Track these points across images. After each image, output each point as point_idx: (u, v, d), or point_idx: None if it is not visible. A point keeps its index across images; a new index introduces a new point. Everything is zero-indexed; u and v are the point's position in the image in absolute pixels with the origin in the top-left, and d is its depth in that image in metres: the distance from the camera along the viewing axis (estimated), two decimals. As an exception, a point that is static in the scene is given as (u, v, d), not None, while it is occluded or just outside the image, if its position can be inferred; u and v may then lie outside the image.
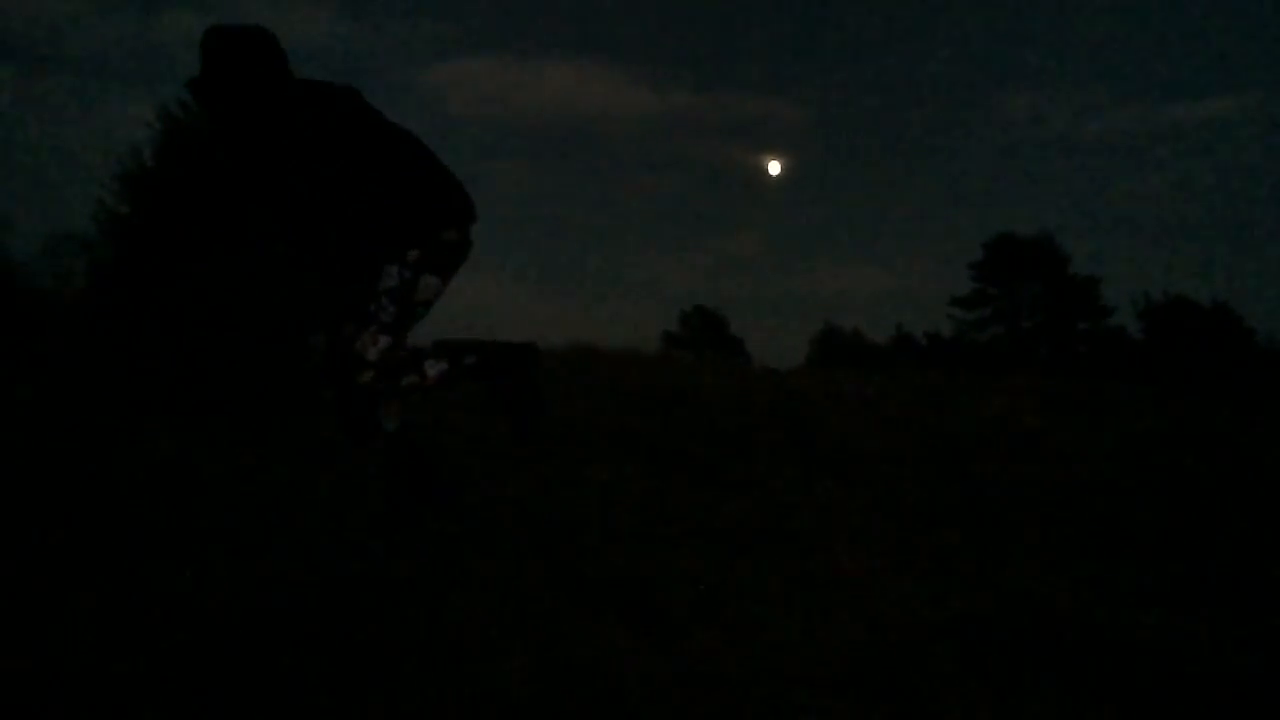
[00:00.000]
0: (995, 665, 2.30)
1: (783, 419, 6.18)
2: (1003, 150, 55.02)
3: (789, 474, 4.77)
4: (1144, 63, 55.06)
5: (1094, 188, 53.50)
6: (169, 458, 4.64)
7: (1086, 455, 5.45)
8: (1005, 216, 55.45)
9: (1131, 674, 2.27)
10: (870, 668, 2.27)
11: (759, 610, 2.69)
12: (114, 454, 4.68)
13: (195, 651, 2.22)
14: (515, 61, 62.68)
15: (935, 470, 4.93)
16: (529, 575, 2.96)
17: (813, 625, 2.56)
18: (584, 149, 60.98)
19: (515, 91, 61.52)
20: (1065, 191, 52.82)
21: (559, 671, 2.18)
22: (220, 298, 6.70)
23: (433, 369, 3.06)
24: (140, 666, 2.12)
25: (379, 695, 2.04)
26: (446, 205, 3.07)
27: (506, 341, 3.24)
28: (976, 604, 2.79)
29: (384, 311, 2.97)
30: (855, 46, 61.33)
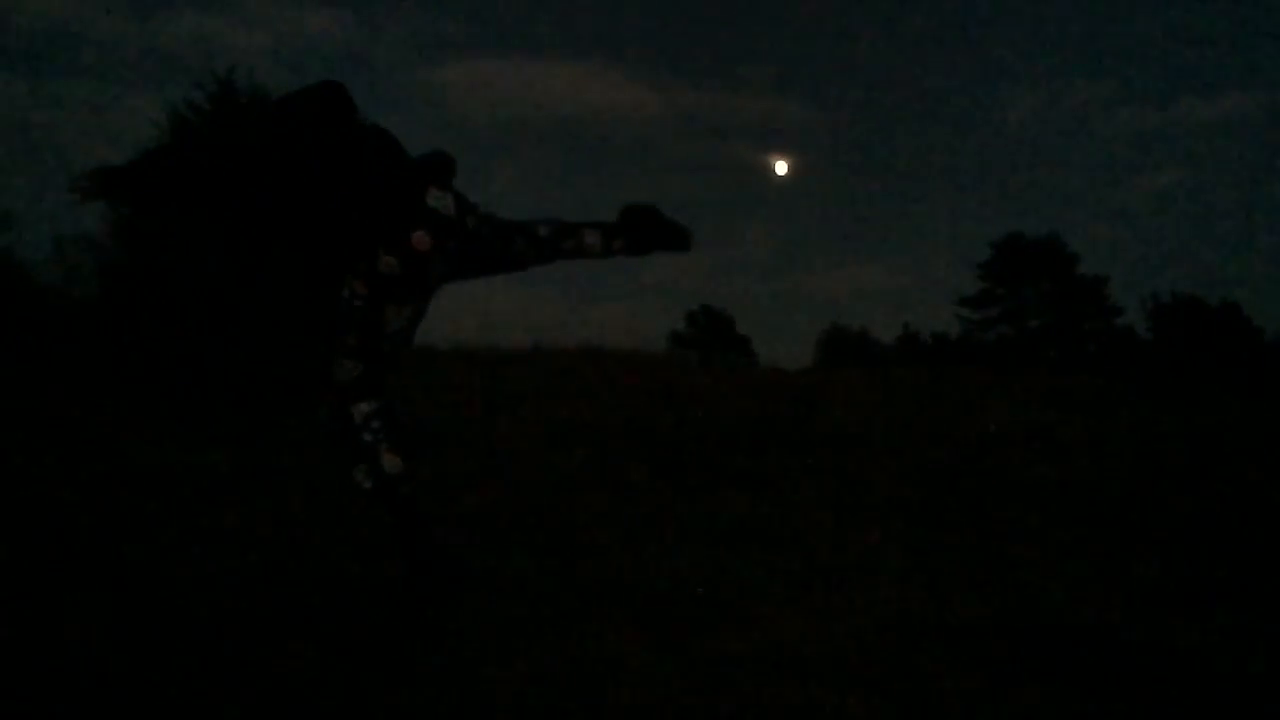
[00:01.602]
0: (1002, 663, 2.30)
1: (789, 419, 6.18)
2: (1011, 148, 54.80)
3: (795, 474, 4.77)
4: (1153, 60, 54.83)
5: (1102, 187, 53.27)
6: (172, 458, 4.66)
7: (1093, 455, 5.43)
8: (1013, 216, 55.24)
9: (1137, 674, 2.27)
10: (877, 666, 2.27)
11: (766, 609, 2.69)
12: (120, 453, 4.71)
13: (198, 650, 2.24)
14: (519, 61, 62.64)
15: (942, 470, 4.92)
16: (535, 575, 2.97)
17: (819, 624, 2.57)
18: (589, 149, 60.88)
19: (519, 91, 61.48)
20: (1074, 190, 52.58)
21: (566, 671, 2.19)
22: (225, 301, 6.73)
23: (387, 461, 2.71)
24: (141, 665, 2.14)
25: (385, 695, 2.05)
26: (374, 230, 2.71)
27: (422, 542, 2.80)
28: (984, 602, 2.79)
29: (346, 336, 2.74)
30: (862, 45, 61.19)
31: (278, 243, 3.04)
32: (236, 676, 2.10)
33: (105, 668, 2.11)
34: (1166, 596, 2.93)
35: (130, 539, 3.24)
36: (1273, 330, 27.59)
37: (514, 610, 2.60)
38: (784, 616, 2.63)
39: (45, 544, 3.12)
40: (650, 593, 2.79)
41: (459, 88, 58.18)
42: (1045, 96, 53.72)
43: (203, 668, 2.13)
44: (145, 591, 2.68)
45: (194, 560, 3.01)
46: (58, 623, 2.37)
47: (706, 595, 2.80)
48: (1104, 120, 51.20)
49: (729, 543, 3.45)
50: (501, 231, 2.94)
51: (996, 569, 3.20)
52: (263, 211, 2.84)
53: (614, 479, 4.48)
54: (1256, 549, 3.53)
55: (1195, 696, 2.17)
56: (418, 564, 2.74)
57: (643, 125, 59.19)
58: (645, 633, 2.46)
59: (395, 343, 2.79)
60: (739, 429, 5.75)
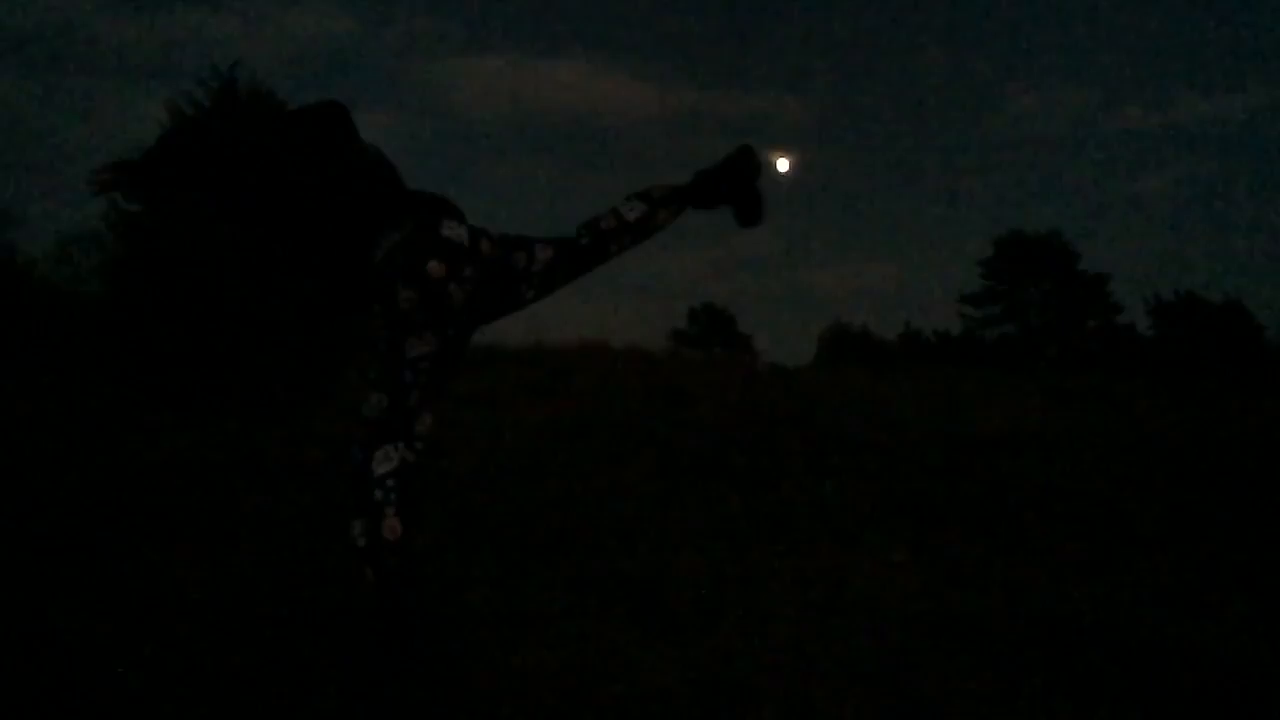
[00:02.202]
0: (1003, 663, 2.30)
1: (791, 417, 6.18)
2: (1012, 146, 54.70)
3: (797, 472, 4.77)
4: (1155, 58, 54.71)
5: (1104, 184, 53.19)
6: (176, 456, 4.66)
7: (1096, 453, 5.43)
8: (1015, 213, 55.17)
9: (1139, 672, 2.27)
10: (878, 665, 2.27)
11: (767, 608, 2.70)
12: (121, 450, 4.72)
13: (200, 648, 2.24)
14: (521, 59, 62.60)
15: (943, 468, 4.92)
16: (539, 574, 2.98)
17: (821, 623, 2.57)
18: (590, 146, 60.79)
19: (521, 89, 61.46)
20: (1075, 188, 52.51)
21: (566, 669, 2.19)
22: (229, 299, 6.73)
23: (387, 524, 2.45)
24: (141, 664, 2.14)
25: (386, 695, 2.05)
26: (387, 261, 2.59)
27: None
28: (985, 602, 2.79)
29: (370, 370, 2.64)
30: (863, 42, 61.10)
31: (275, 253, 2.96)
32: (237, 675, 2.10)
33: (105, 667, 2.12)
34: (1168, 594, 2.93)
35: (130, 536, 3.24)
36: (1275, 328, 27.52)
37: (514, 608, 2.60)
38: (785, 615, 2.63)
39: (45, 542, 3.13)
40: (650, 592, 2.79)
41: (459, 87, 58.20)
42: (1048, 93, 53.67)
43: (203, 666, 2.14)
44: (145, 590, 2.68)
45: (194, 558, 3.02)
46: (58, 622, 2.37)
47: (707, 595, 2.81)
48: (1106, 118, 51.16)
49: (731, 541, 3.45)
50: (520, 243, 2.81)
51: (997, 567, 3.21)
52: (258, 218, 2.81)
53: (614, 478, 4.48)
54: (1258, 547, 3.53)
55: (1197, 694, 2.17)
56: (380, 638, 2.61)
57: (643, 125, 59.09)
58: (646, 631, 2.46)
59: (418, 371, 2.67)
60: (740, 427, 5.76)
